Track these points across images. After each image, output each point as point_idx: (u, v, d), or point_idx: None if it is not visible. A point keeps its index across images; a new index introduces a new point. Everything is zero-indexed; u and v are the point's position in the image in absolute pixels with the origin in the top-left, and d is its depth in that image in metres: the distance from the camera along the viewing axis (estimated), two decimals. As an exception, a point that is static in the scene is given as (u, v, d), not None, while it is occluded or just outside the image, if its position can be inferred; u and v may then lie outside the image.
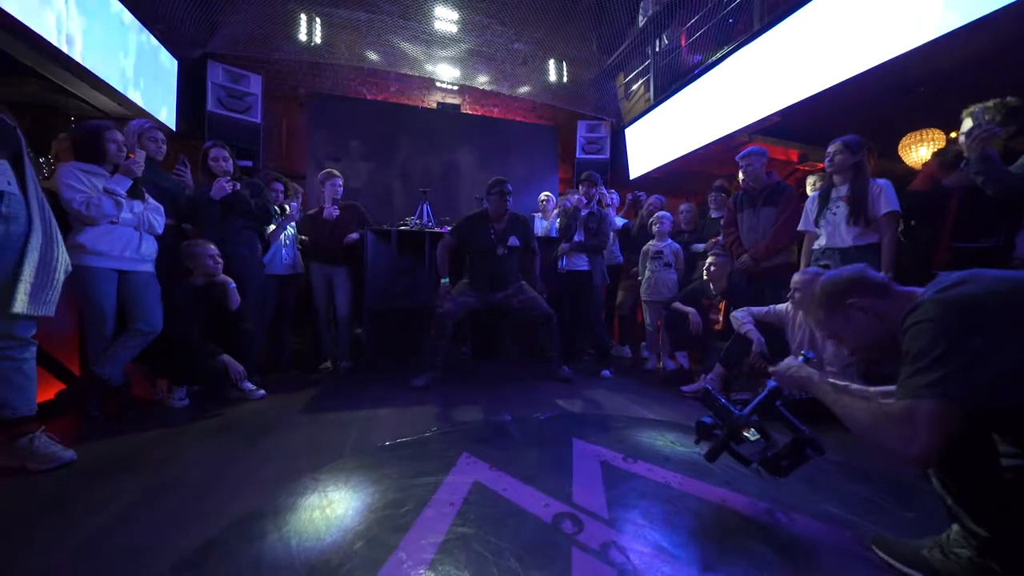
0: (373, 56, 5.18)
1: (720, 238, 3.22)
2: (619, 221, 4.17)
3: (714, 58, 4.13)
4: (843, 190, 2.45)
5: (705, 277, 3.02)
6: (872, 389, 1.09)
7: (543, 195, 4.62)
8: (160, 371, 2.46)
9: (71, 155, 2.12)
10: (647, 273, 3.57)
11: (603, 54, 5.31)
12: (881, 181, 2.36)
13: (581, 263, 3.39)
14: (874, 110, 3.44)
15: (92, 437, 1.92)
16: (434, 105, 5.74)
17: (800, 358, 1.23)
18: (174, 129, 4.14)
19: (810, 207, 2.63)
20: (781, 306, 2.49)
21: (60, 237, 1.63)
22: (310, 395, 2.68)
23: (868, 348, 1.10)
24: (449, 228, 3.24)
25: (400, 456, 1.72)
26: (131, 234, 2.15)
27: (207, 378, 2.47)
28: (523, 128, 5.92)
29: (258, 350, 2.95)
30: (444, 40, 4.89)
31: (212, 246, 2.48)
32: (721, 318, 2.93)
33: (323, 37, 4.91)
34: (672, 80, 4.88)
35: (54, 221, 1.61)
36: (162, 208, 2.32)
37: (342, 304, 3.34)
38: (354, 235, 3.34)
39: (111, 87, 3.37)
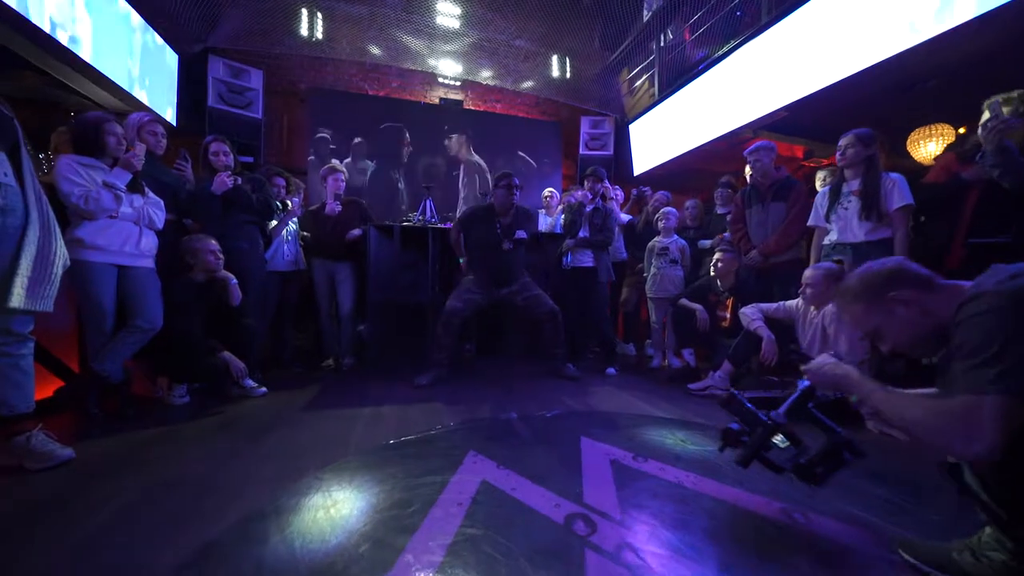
0: (375, 51, 5.13)
1: (727, 234, 3.18)
2: (624, 217, 4.13)
3: (720, 52, 4.08)
4: (855, 184, 2.39)
5: (712, 273, 2.99)
6: (908, 391, 1.03)
7: (547, 191, 4.59)
8: (160, 368, 2.43)
9: (70, 148, 2.09)
10: (653, 270, 3.53)
11: (606, 50, 5.25)
12: (894, 175, 2.30)
13: (586, 259, 3.35)
14: (882, 105, 3.38)
15: (91, 435, 1.89)
16: (436, 101, 5.70)
17: (832, 355, 1.16)
18: (175, 125, 4.10)
19: (820, 202, 2.58)
20: (791, 302, 2.45)
21: (58, 231, 1.59)
22: (312, 392, 2.65)
23: (909, 344, 1.04)
24: (452, 222, 3.20)
25: (405, 454, 1.68)
26: (131, 229, 2.11)
27: (208, 375, 2.43)
28: (526, 124, 5.88)
29: (259, 347, 2.91)
30: (447, 35, 4.85)
31: (213, 241, 2.45)
32: (728, 315, 2.90)
33: (324, 31, 4.86)
34: (677, 75, 4.82)
35: (52, 214, 1.57)
36: (162, 203, 2.29)
37: (344, 300, 3.30)
38: (356, 231, 3.31)
39: (115, 84, 3.34)
